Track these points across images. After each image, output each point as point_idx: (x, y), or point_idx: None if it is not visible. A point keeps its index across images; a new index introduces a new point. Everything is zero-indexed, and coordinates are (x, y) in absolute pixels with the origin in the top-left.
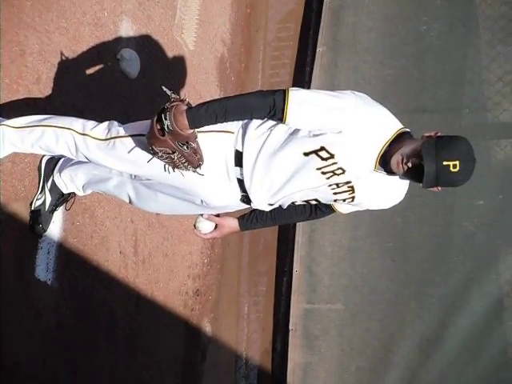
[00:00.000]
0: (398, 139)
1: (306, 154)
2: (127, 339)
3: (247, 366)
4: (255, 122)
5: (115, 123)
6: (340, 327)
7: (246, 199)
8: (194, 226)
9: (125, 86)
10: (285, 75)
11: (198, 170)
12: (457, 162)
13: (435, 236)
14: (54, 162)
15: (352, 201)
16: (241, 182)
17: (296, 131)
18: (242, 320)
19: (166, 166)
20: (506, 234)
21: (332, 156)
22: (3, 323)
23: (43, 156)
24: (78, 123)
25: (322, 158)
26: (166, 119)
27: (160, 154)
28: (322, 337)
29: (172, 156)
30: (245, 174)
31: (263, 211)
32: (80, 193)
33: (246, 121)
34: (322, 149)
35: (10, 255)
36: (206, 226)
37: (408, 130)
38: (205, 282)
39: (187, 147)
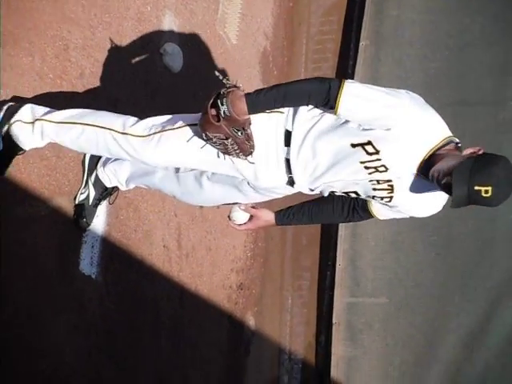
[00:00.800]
0: (445, 146)
1: (353, 146)
2: (171, 333)
3: (291, 360)
4: (307, 106)
5: (156, 118)
6: (384, 321)
7: (291, 181)
8: (229, 216)
9: (168, 80)
10: (327, 69)
11: (248, 157)
12: (489, 188)
13: (480, 230)
14: (97, 156)
15: (389, 201)
16: (288, 162)
17: (346, 122)
18: (285, 314)
19: (219, 152)
20: None
21: (377, 152)
22: (48, 317)
23: None
24: (118, 122)
25: (368, 153)
26: (222, 104)
27: (214, 140)
28: (365, 330)
29: (226, 142)
30: (291, 153)
31: (301, 208)
32: (123, 187)
33: None
34: (369, 143)
35: (54, 249)
36: (240, 217)
37: (457, 139)
38: (248, 275)
39: (241, 133)
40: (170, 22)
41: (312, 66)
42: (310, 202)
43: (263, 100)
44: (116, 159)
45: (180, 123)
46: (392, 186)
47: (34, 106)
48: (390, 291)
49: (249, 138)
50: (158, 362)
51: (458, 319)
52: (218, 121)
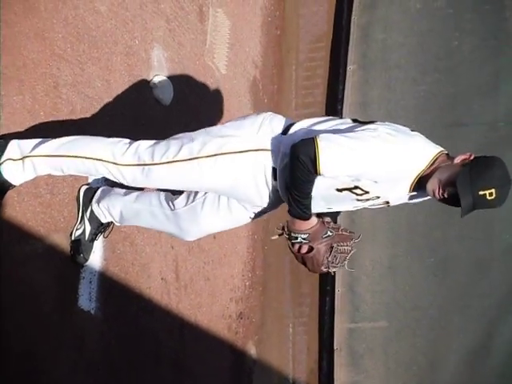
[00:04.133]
0: (433, 163)
1: (339, 190)
2: (173, 365)
3: None
4: (289, 141)
5: (142, 145)
6: (384, 345)
7: None
8: None
9: (159, 113)
10: (318, 95)
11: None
12: (493, 190)
13: (476, 250)
14: (92, 191)
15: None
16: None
17: None
18: (286, 341)
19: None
20: None
21: (367, 192)
22: (48, 355)
23: (81, 186)
24: (107, 151)
25: (357, 194)
26: (296, 238)
27: (333, 257)
28: (367, 355)
29: (336, 248)
30: (279, 188)
31: None
32: (117, 223)
33: (279, 136)
34: (356, 187)
35: (52, 286)
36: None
37: (441, 149)
38: (247, 304)
39: (330, 231)
40: (158, 55)
41: (302, 92)
42: None
43: (300, 204)
44: (110, 195)
45: (168, 157)
46: (388, 201)
47: (19, 141)
48: (389, 315)
49: (338, 226)
50: None
51: (459, 339)
52: (312, 249)
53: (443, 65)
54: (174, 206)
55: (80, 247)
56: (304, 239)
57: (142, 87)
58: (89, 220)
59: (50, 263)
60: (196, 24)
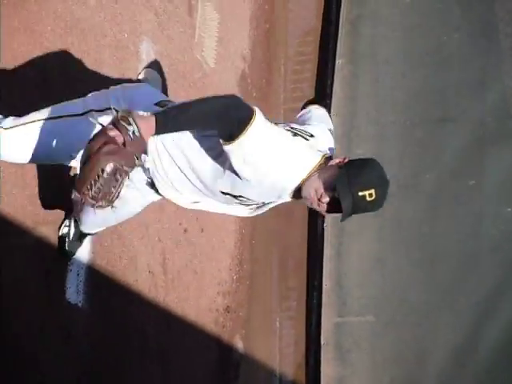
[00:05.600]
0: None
1: (224, 194)
2: (160, 358)
3: (281, 382)
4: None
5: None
6: (372, 339)
7: None
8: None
9: None
10: (306, 89)
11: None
12: (372, 191)
13: (464, 246)
14: None
15: None
16: None
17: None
18: (273, 335)
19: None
20: None
21: (249, 199)
22: (35, 346)
23: None
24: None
25: (242, 202)
26: (130, 124)
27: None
28: (354, 350)
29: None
30: None
31: None
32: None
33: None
34: (241, 196)
35: (40, 279)
36: None
37: (323, 154)
38: (235, 298)
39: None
40: (147, 48)
41: (291, 86)
42: None
43: (175, 120)
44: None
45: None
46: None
47: None
48: (377, 309)
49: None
50: None
51: (447, 335)
52: (116, 151)
53: (431, 60)
54: None
55: (66, 242)
56: (134, 133)
57: (131, 80)
58: (74, 222)
59: (38, 255)
60: (185, 17)
